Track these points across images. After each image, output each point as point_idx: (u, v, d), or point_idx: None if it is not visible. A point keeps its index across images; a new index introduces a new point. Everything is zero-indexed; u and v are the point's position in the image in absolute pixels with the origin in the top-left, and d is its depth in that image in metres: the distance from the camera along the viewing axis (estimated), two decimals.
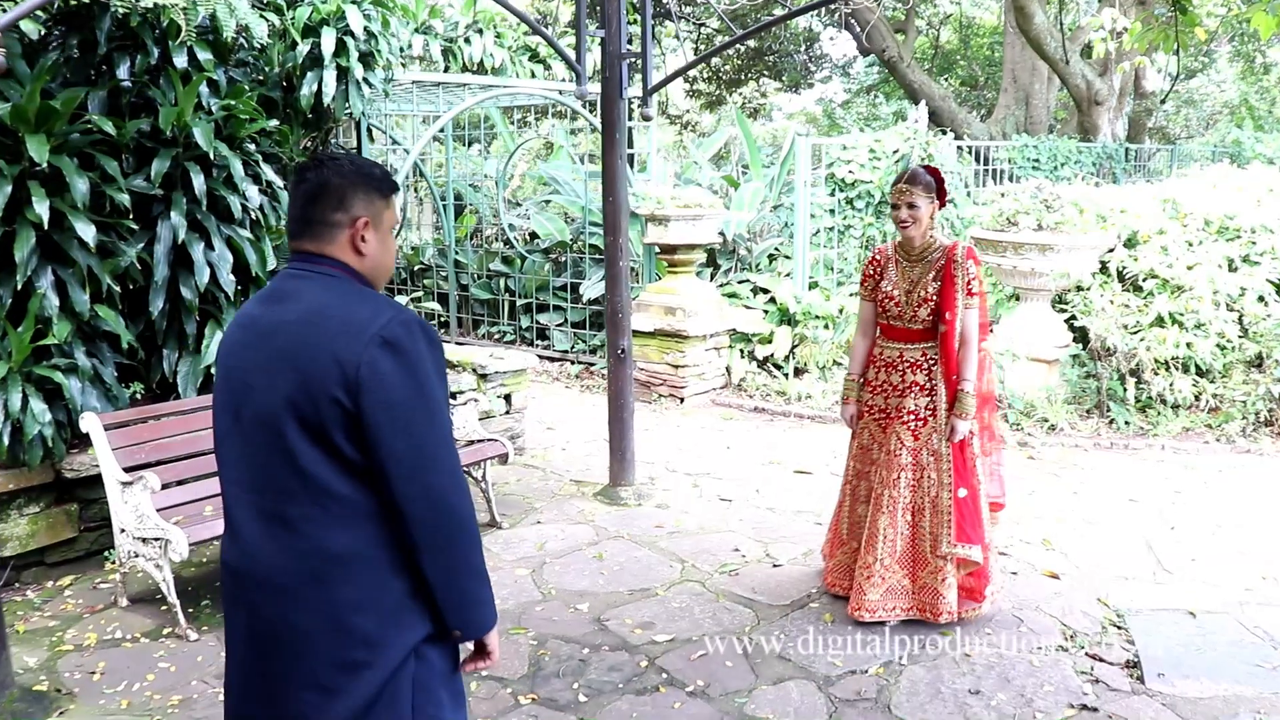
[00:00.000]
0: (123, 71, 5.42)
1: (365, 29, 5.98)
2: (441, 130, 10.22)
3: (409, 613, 1.94)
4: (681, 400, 8.49)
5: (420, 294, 11.08)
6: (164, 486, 4.66)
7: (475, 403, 5.98)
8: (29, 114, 4.73)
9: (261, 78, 6.25)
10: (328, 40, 5.84)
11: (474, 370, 6.82)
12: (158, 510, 4.54)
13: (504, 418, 7.03)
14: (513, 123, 11.82)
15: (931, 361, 4.16)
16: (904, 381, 4.21)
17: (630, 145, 9.76)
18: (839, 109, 25.85)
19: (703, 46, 24.76)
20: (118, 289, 5.17)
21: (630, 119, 6.35)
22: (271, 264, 5.88)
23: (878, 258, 4.29)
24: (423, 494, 1.87)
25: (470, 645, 2.09)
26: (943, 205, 4.05)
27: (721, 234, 9.23)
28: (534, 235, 10.80)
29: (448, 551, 1.91)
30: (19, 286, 4.66)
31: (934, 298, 4.06)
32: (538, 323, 10.53)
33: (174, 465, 4.76)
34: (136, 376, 5.57)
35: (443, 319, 11.15)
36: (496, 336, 10.85)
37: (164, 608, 4.60)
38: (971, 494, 4.19)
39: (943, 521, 4.15)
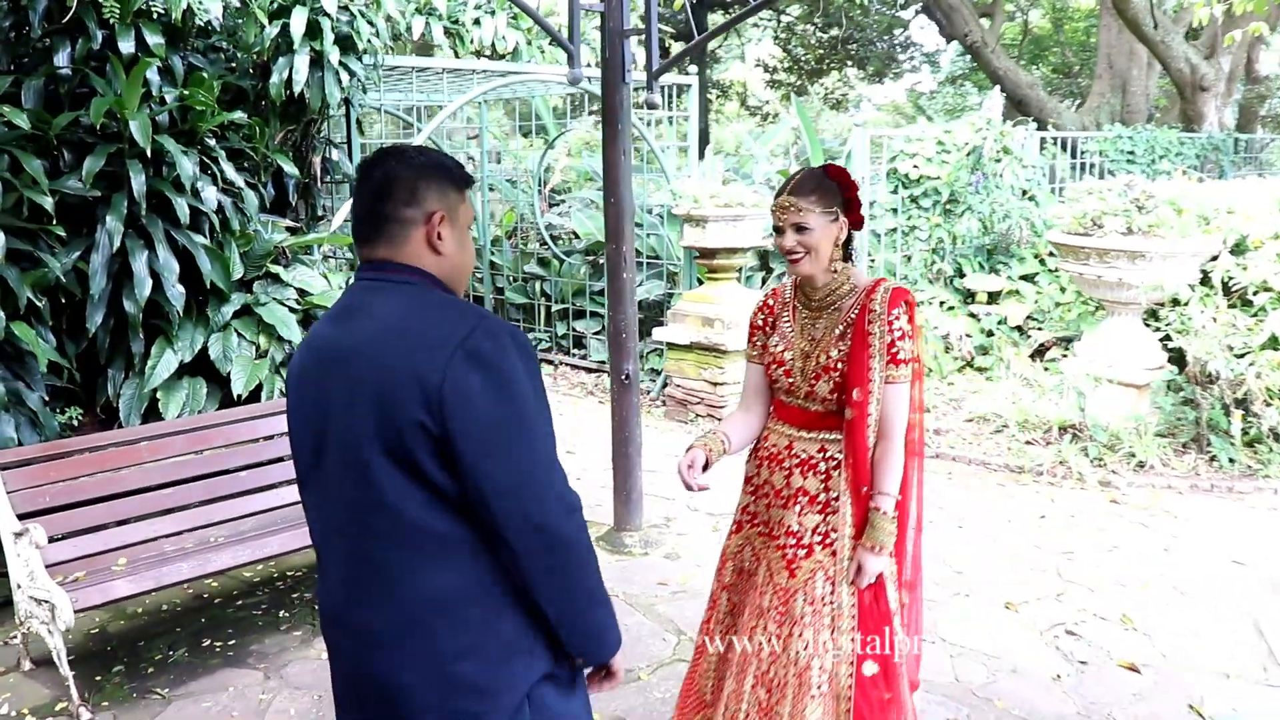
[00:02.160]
0: (61, 59, 4.81)
1: (344, 8, 5.28)
2: (471, 123, 9.53)
3: (521, 655, 1.77)
4: (720, 420, 7.64)
5: None
6: (75, 534, 4.05)
7: None
8: None
9: (234, 65, 5.61)
10: (298, 21, 5.17)
11: None
12: (61, 562, 3.95)
13: None
14: (561, 115, 11.08)
15: (831, 462, 2.62)
16: (789, 486, 2.70)
17: (682, 138, 8.94)
18: (926, 100, 24.61)
19: (782, 36, 23.79)
20: (41, 303, 4.57)
21: (650, 105, 5.51)
22: (238, 272, 5.24)
23: (770, 302, 2.82)
24: (525, 523, 1.68)
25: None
26: (858, 224, 2.58)
27: (768, 236, 8.35)
28: (575, 235, 10.06)
29: (562, 582, 1.75)
30: None
31: (839, 366, 2.55)
32: (574, 330, 9.79)
33: (87, 509, 4.12)
34: (77, 401, 4.97)
35: None
36: (532, 343, 10.13)
37: (72, 672, 3.99)
38: (885, 672, 2.60)
39: (828, 713, 2.57)
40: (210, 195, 4.99)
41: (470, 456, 1.64)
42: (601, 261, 9.50)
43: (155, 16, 4.85)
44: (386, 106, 7.08)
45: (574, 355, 9.73)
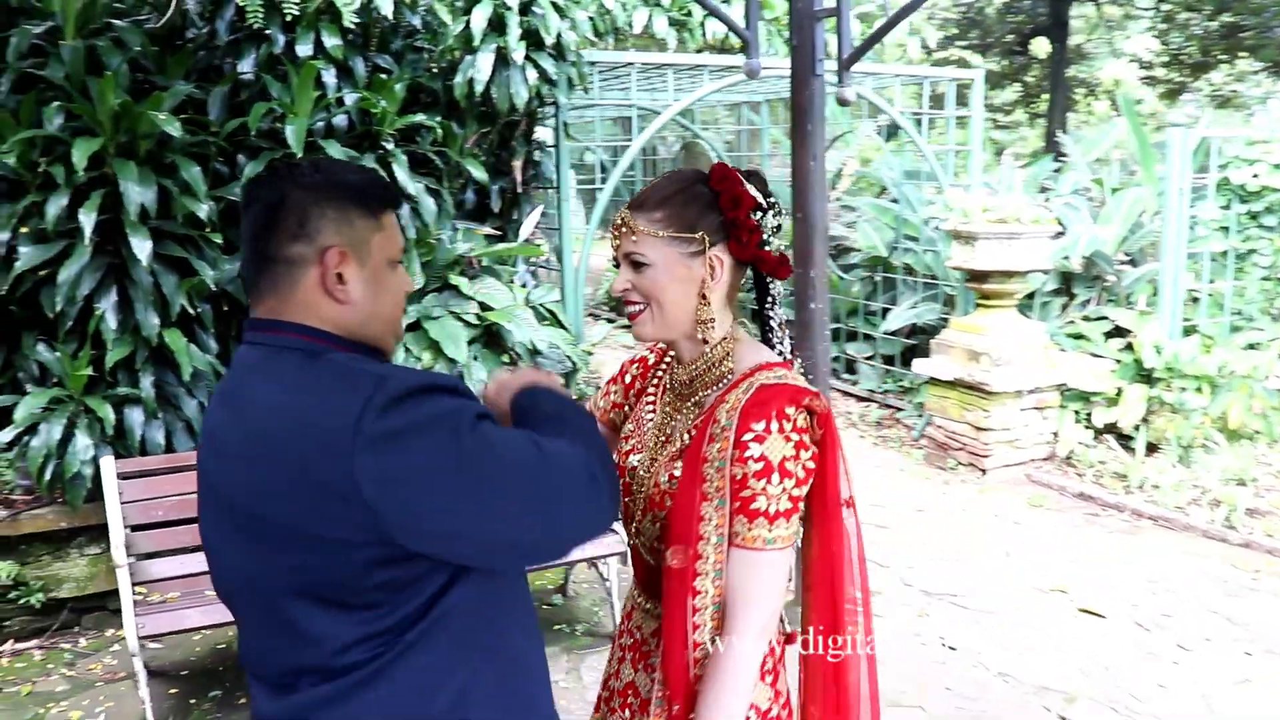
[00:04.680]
0: (246, 64, 4.78)
1: (528, 3, 4.87)
2: (752, 124, 8.90)
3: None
4: (983, 472, 6.51)
5: None
6: (181, 551, 3.94)
7: None
8: (101, 117, 4.18)
9: (433, 66, 5.39)
10: (479, 16, 4.82)
11: None
12: (161, 580, 3.87)
13: None
14: (858, 114, 10.18)
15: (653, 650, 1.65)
16: (618, 678, 1.75)
17: (961, 141, 7.81)
18: None
19: (1161, 28, 20.99)
20: (201, 309, 4.53)
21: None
22: (418, 282, 5.02)
23: (650, 357, 1.86)
24: (512, 552, 1.31)
25: None
26: (766, 266, 1.60)
27: (1067, 257, 7.02)
28: (851, 248, 9.15)
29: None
30: (59, 307, 4.13)
31: (666, 501, 1.56)
32: (845, 353, 8.88)
33: (192, 526, 3.99)
34: None
35: None
36: (800, 365, 9.33)
37: (172, 689, 3.89)
38: None
39: None
40: None
41: (428, 541, 1.22)
42: (878, 279, 8.56)
43: (334, 19, 4.68)
44: (603, 106, 6.64)
45: (844, 380, 8.83)
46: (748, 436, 1.45)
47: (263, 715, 1.35)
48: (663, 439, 1.64)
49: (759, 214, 1.55)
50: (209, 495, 1.39)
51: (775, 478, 1.45)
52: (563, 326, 5.79)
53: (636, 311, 1.56)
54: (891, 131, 9.98)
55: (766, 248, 1.56)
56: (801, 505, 1.50)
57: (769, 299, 1.65)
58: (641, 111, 7.33)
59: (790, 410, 1.46)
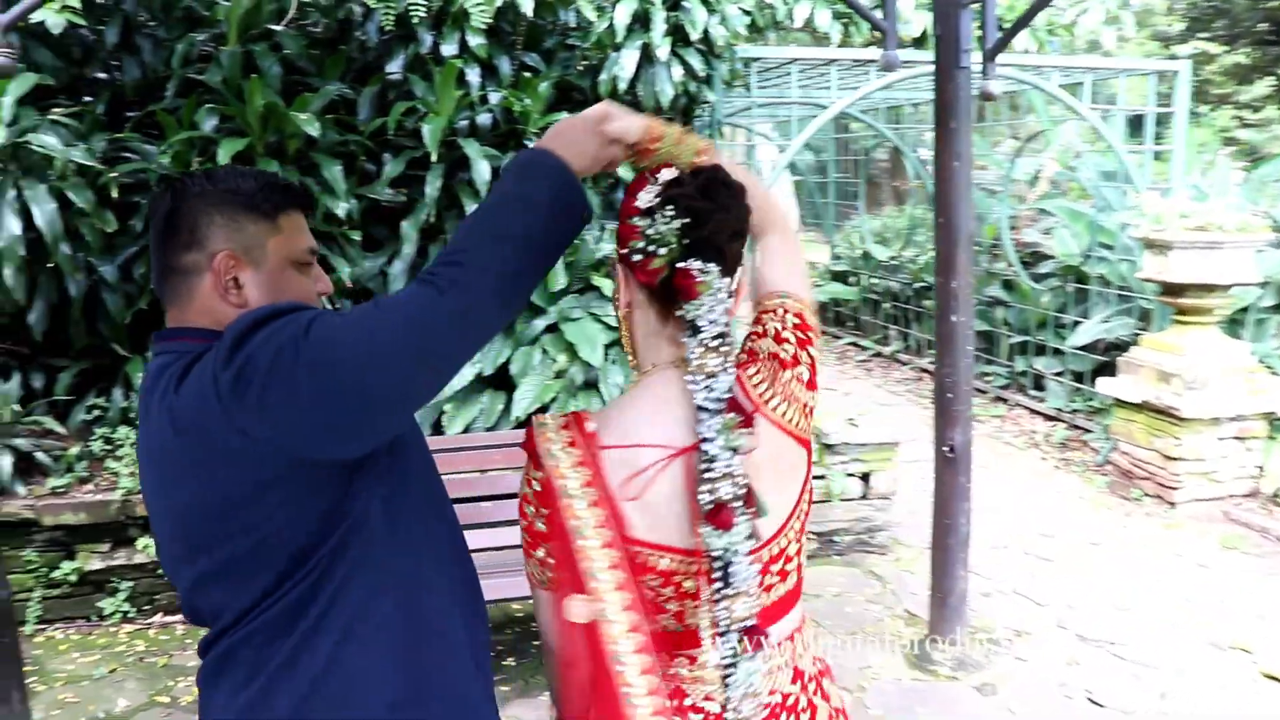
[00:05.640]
0: (395, 65, 4.86)
1: None
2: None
3: None
4: (1171, 505, 5.88)
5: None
6: None
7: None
8: (250, 118, 4.34)
9: (584, 64, 5.33)
10: (623, 11, 4.71)
11: (814, 435, 5.23)
12: None
13: (857, 504, 5.34)
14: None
15: None
16: None
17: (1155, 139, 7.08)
18: None
19: None
20: (341, 305, 4.63)
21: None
22: (558, 283, 4.99)
23: None
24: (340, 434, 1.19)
25: None
26: (646, 280, 1.35)
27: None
28: (1041, 255, 8.53)
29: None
30: None
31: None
32: (1033, 368, 8.27)
33: None
34: None
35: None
36: (988, 379, 8.77)
37: None
38: None
39: None
40: None
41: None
42: (1070, 289, 7.92)
43: (476, 17, 4.69)
44: (757, 106, 6.38)
45: (1030, 397, 8.24)
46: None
47: None
48: None
49: (645, 219, 1.32)
50: (150, 510, 1.38)
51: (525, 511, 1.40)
52: None
53: None
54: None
55: (641, 256, 1.32)
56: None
57: (689, 327, 1.33)
58: (805, 111, 7.03)
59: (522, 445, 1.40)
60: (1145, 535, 5.58)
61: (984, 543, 5.44)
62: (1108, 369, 7.14)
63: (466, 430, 4.71)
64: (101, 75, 4.96)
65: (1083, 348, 7.47)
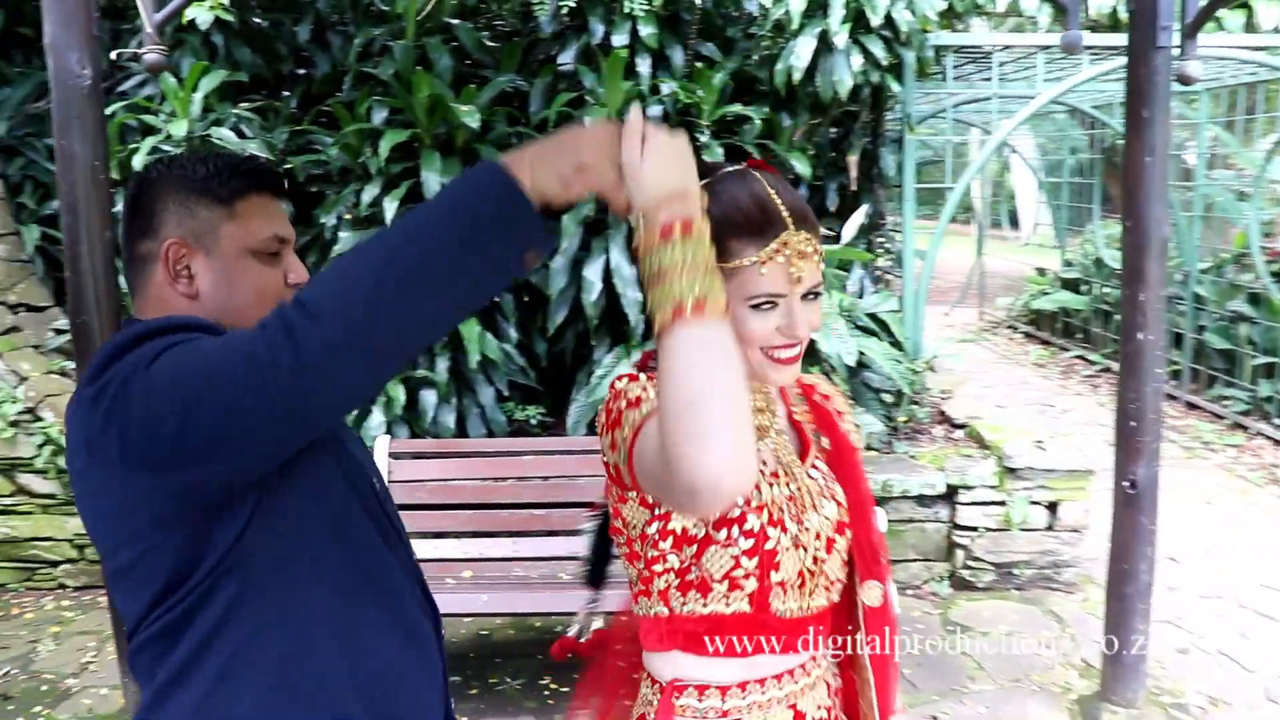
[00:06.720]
0: (567, 56, 4.82)
1: None
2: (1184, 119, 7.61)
3: None
4: None
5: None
6: (427, 535, 4.04)
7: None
8: (416, 110, 4.40)
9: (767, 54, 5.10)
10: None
11: (996, 457, 4.81)
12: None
13: (1041, 535, 4.84)
14: None
15: None
16: None
17: None
18: None
19: None
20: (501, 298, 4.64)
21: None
22: None
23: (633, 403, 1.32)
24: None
25: None
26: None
27: None
28: None
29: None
30: None
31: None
32: (1278, 393, 7.33)
33: (453, 513, 4.05)
34: (540, 401, 4.99)
35: (1176, 367, 8.44)
36: (1226, 404, 7.85)
37: None
38: None
39: None
40: None
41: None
42: None
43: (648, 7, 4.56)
44: (953, 100, 5.86)
45: (1275, 425, 7.31)
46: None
47: None
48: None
49: None
50: None
51: None
52: (894, 340, 5.26)
53: (798, 354, 1.30)
54: None
55: None
56: None
57: None
58: (1005, 104, 6.45)
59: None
60: None
61: (1192, 590, 4.85)
62: None
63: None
64: (299, 70, 5.18)
65: None
